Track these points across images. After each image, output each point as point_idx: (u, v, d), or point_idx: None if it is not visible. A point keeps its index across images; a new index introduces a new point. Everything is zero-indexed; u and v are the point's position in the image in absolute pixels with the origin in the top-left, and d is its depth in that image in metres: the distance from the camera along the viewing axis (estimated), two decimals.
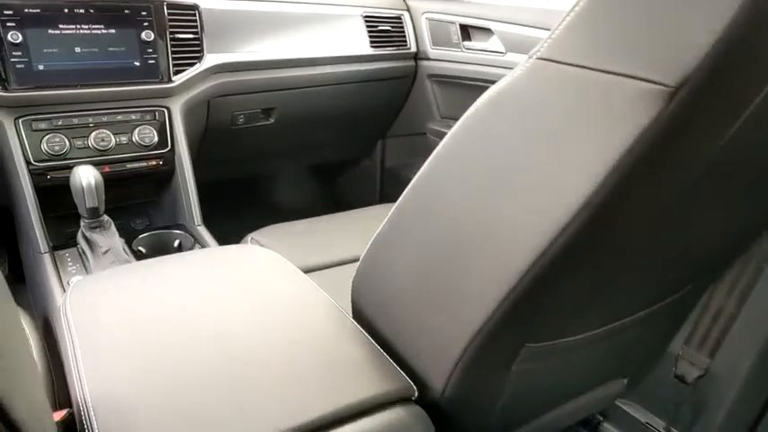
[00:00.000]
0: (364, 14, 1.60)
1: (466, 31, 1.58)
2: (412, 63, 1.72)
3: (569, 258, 0.51)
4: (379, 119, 1.87)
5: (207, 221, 1.32)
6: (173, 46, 1.28)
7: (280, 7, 1.47)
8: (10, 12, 1.12)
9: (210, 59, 1.35)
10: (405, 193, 0.68)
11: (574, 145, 0.50)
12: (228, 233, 1.38)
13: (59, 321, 0.75)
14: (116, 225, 1.38)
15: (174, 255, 0.91)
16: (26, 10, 1.13)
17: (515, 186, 0.53)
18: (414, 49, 1.69)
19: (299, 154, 1.83)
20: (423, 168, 0.65)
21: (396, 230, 0.70)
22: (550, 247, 0.50)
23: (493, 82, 1.42)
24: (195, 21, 1.32)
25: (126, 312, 0.73)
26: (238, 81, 1.42)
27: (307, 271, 1.25)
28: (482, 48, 1.54)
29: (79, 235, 1.13)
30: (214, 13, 1.36)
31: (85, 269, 1.10)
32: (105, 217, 1.14)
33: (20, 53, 1.13)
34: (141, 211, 1.42)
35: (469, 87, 1.61)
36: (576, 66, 0.50)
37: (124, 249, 1.14)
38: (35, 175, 1.17)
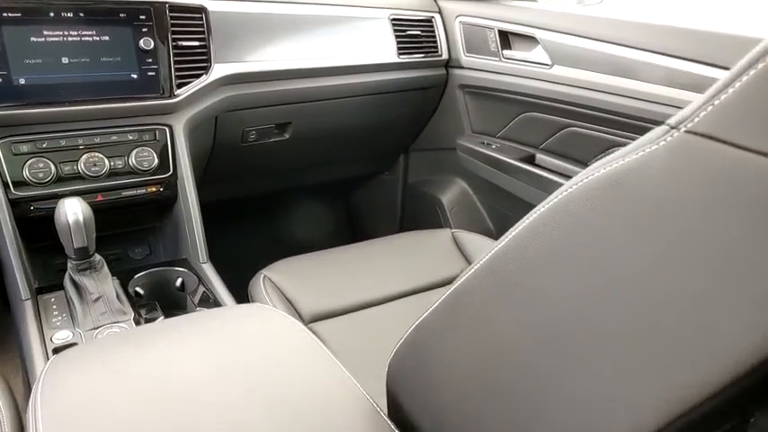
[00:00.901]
0: (392, 17, 1.42)
1: (506, 38, 1.40)
2: (443, 72, 1.54)
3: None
4: (404, 131, 1.70)
5: (214, 246, 1.17)
6: (176, 55, 1.12)
7: (298, 9, 1.30)
8: None
9: (219, 70, 1.18)
10: (470, 274, 0.52)
11: (750, 266, 0.33)
12: (238, 264, 1.23)
13: (29, 414, 0.60)
14: (113, 255, 1.23)
15: (172, 322, 0.75)
16: (4, 14, 0.97)
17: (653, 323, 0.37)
18: (445, 56, 1.52)
19: (314, 169, 1.67)
20: (499, 250, 0.49)
21: (453, 322, 0.54)
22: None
23: (536, 97, 1.24)
24: (202, 26, 1.15)
25: (108, 409, 0.58)
26: (250, 94, 1.26)
27: (325, 317, 1.10)
28: (524, 58, 1.36)
29: (66, 278, 0.98)
30: (223, 17, 1.19)
31: (72, 320, 0.95)
32: (96, 257, 0.98)
33: None
34: (141, 238, 1.26)
35: (508, 101, 1.44)
36: (758, 152, 0.33)
37: (118, 295, 0.99)
38: (16, 205, 1.01)
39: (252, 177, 1.57)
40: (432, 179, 1.76)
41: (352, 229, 2.05)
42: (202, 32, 1.15)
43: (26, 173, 1.01)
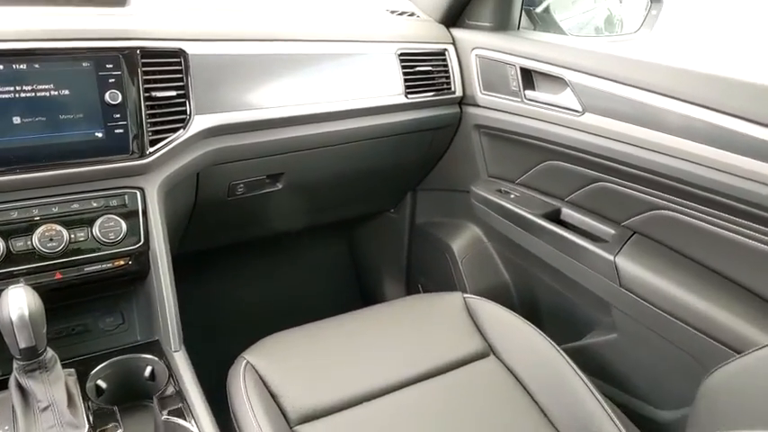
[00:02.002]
0: (400, 52, 1.26)
1: (529, 77, 1.24)
2: (456, 110, 1.38)
3: None
4: (412, 172, 1.54)
5: (197, 304, 1.02)
6: (148, 108, 0.97)
7: (292, 48, 1.13)
8: None
9: (200, 122, 1.02)
10: None
11: None
12: (222, 328, 1.08)
13: None
14: (81, 326, 1.09)
15: None
16: None
17: None
18: (459, 93, 1.35)
19: (312, 213, 1.51)
20: None
21: None
22: None
23: (563, 146, 1.07)
24: (180, 73, 1.00)
25: None
26: (238, 146, 1.10)
27: (317, 416, 0.95)
28: (550, 101, 1.20)
29: (11, 381, 0.83)
30: (204, 60, 1.03)
31: None
32: (48, 353, 0.83)
33: None
34: (112, 305, 1.11)
35: (529, 147, 1.28)
36: None
37: (71, 399, 0.84)
38: None
39: (241, 227, 1.42)
40: (442, 222, 1.60)
41: (356, 271, 1.89)
42: (181, 80, 1.00)
43: None
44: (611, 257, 1.11)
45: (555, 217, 1.27)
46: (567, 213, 1.26)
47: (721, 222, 0.99)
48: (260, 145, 1.13)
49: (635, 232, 1.16)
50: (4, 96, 0.86)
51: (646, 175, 1.06)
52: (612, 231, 1.17)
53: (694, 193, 1.00)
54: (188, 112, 1.01)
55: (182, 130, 1.00)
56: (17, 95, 0.87)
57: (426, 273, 1.70)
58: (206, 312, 1.44)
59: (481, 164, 1.42)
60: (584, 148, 1.15)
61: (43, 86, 0.89)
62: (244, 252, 1.65)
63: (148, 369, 0.96)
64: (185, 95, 1.00)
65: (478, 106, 1.35)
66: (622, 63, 1.08)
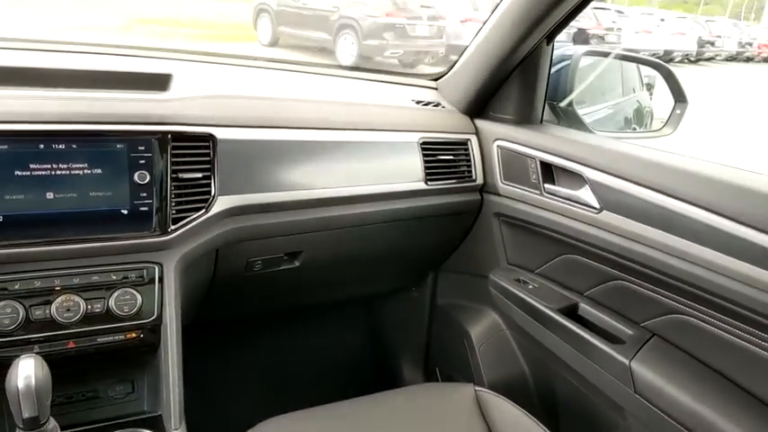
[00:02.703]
0: (422, 141, 1.29)
1: (549, 171, 1.25)
2: (477, 197, 1.39)
3: None
4: (432, 254, 1.55)
5: (205, 377, 1.02)
6: (174, 188, 1.02)
7: (315, 135, 1.18)
8: None
9: (222, 203, 1.07)
10: None
11: None
12: (221, 415, 1.08)
13: None
14: (91, 392, 1.11)
15: None
16: None
17: None
18: (480, 180, 1.37)
19: (330, 289, 1.52)
20: None
21: None
22: None
23: (581, 241, 1.05)
24: (208, 156, 1.06)
25: None
26: (258, 226, 1.14)
27: None
28: (569, 196, 1.20)
29: None
30: (231, 145, 1.08)
31: None
32: (50, 423, 0.85)
33: None
34: (124, 374, 1.13)
35: (548, 239, 1.27)
36: None
37: None
38: None
39: (257, 301, 1.44)
40: (462, 305, 1.58)
41: (374, 348, 1.87)
42: (207, 163, 1.06)
43: None
44: (626, 361, 1.06)
45: (572, 312, 1.24)
46: (585, 309, 1.23)
47: (740, 333, 0.95)
48: (280, 225, 1.17)
49: (654, 334, 1.11)
50: (41, 173, 0.93)
51: (664, 277, 1.03)
52: (630, 332, 1.13)
53: (712, 300, 0.96)
54: (212, 193, 1.06)
55: (204, 210, 1.05)
56: (53, 173, 0.94)
57: (444, 357, 1.66)
58: (216, 383, 1.45)
59: (501, 251, 1.42)
60: (602, 246, 1.13)
61: (78, 165, 0.95)
62: (260, 325, 1.66)
63: None
64: (210, 177, 1.06)
65: (499, 195, 1.36)
66: (640, 164, 1.07)
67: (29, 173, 0.92)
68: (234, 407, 1.37)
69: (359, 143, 1.24)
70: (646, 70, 1.77)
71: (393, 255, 1.46)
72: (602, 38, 11.25)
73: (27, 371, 0.79)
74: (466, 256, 1.52)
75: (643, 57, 1.62)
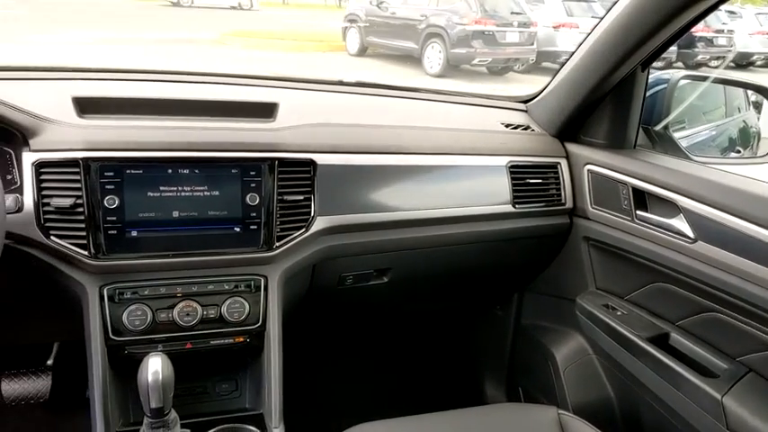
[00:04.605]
0: (511, 164, 1.32)
1: (641, 198, 1.23)
2: (566, 220, 1.40)
3: None
4: (518, 275, 1.57)
5: (294, 388, 1.11)
6: (279, 209, 1.12)
7: (407, 159, 1.25)
8: (111, 173, 1.03)
9: (320, 222, 1.16)
10: None
11: None
12: (314, 419, 1.17)
13: None
14: (200, 388, 1.24)
15: None
16: (128, 171, 1.04)
17: None
18: (569, 204, 1.38)
19: (416, 305, 1.58)
20: None
21: None
22: None
23: (674, 271, 1.04)
24: (309, 180, 1.15)
25: None
26: (351, 244, 1.22)
27: None
28: (662, 225, 1.18)
29: None
30: (329, 169, 1.17)
31: None
32: (172, 414, 0.97)
33: (114, 218, 1.03)
34: (229, 372, 1.25)
35: (639, 266, 1.26)
36: None
37: None
38: (111, 349, 1.05)
39: (348, 313, 1.52)
40: (547, 327, 1.58)
41: (457, 364, 1.91)
42: (308, 186, 1.15)
43: (125, 319, 1.04)
44: (718, 396, 1.04)
45: (663, 341, 1.21)
46: (676, 339, 1.20)
47: None
48: (371, 243, 1.24)
49: (750, 370, 1.08)
50: (168, 194, 1.06)
51: (761, 312, 1.00)
52: (724, 366, 1.10)
53: None
54: (311, 214, 1.15)
55: (304, 229, 1.14)
56: (178, 194, 1.07)
57: (528, 377, 1.67)
58: (309, 387, 1.54)
59: (589, 276, 1.41)
60: (696, 276, 1.11)
61: (199, 187, 1.08)
62: (350, 336, 1.75)
63: None
64: (311, 199, 1.15)
65: (588, 219, 1.36)
66: (739, 195, 1.05)
67: (159, 194, 1.06)
68: (325, 411, 1.45)
69: (449, 167, 1.29)
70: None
71: (479, 275, 1.49)
72: (710, 41, 10.55)
73: (156, 366, 0.91)
74: (552, 279, 1.52)
75: (748, 82, 1.54)
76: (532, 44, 9.01)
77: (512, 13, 8.94)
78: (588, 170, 1.35)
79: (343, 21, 10.66)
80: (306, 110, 1.31)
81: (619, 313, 1.30)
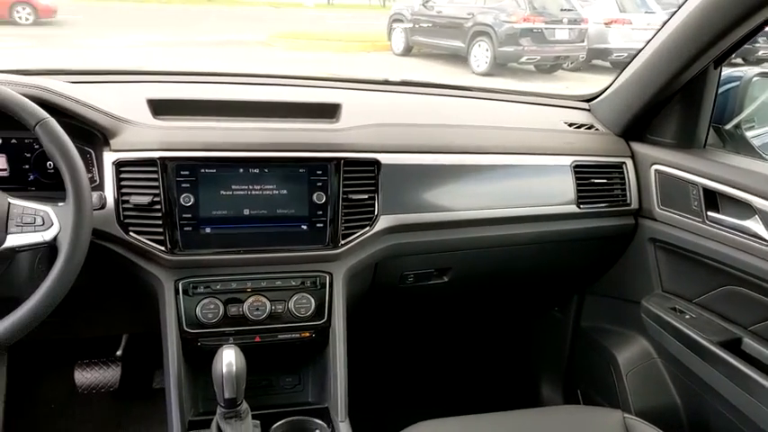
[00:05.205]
0: (575, 164, 1.31)
1: (712, 198, 1.20)
2: (631, 221, 1.37)
3: None
4: (579, 276, 1.54)
5: (357, 384, 1.13)
6: (344, 207, 1.14)
7: (470, 158, 1.25)
8: (186, 172, 1.07)
9: (383, 221, 1.17)
10: None
11: None
12: (377, 415, 1.18)
13: None
14: (265, 381, 1.28)
15: None
16: (202, 170, 1.08)
17: None
18: (635, 205, 1.35)
19: (473, 307, 1.58)
20: None
21: None
22: None
23: (748, 274, 1.01)
24: (373, 179, 1.17)
25: None
26: (413, 243, 1.23)
27: None
28: (735, 226, 1.14)
29: (213, 424, 1.02)
30: (393, 169, 1.19)
31: None
32: (243, 405, 1.01)
33: (189, 215, 1.08)
34: (292, 367, 1.29)
35: (710, 269, 1.22)
36: None
37: None
38: (185, 341, 1.10)
39: (408, 311, 1.54)
40: (608, 329, 1.55)
41: (514, 365, 1.89)
42: (372, 185, 1.17)
43: (198, 312, 1.09)
44: None
45: (735, 346, 1.18)
46: (750, 345, 1.16)
47: None
48: (433, 242, 1.25)
49: None
50: (240, 193, 1.10)
51: None
52: None
53: None
54: (375, 212, 1.17)
55: (368, 227, 1.16)
56: (249, 192, 1.10)
57: (587, 380, 1.64)
58: (371, 386, 1.56)
59: (655, 278, 1.38)
60: None
61: (269, 186, 1.11)
62: (409, 333, 1.76)
63: None
64: (374, 198, 1.17)
65: (655, 220, 1.33)
66: None
67: (231, 192, 1.09)
68: (384, 408, 1.47)
69: (511, 166, 1.29)
70: None
71: (539, 275, 1.48)
72: None
73: (230, 358, 0.94)
74: (615, 281, 1.49)
75: None
76: (583, 41, 8.80)
77: (561, 9, 8.76)
78: (655, 170, 1.31)
79: (388, 20, 10.69)
80: (367, 110, 1.33)
81: (687, 317, 1.27)
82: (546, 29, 8.47)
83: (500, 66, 8.73)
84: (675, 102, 1.28)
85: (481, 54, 8.80)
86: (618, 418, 1.14)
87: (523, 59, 8.59)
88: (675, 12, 1.17)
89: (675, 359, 1.32)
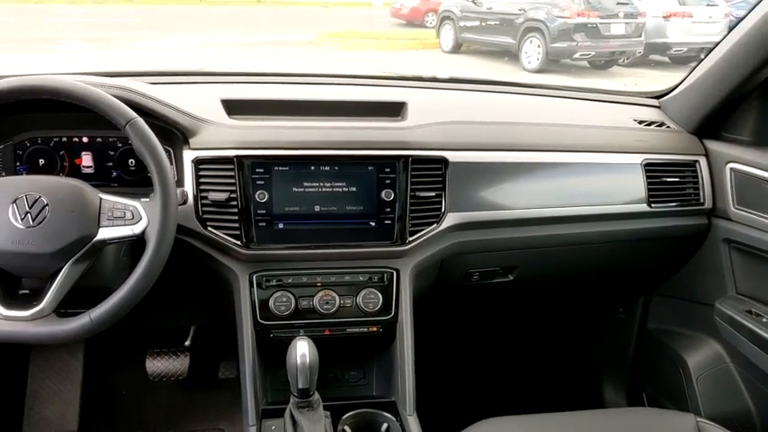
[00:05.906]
0: (646, 162, 1.28)
1: None
2: (704, 221, 1.33)
3: None
4: (647, 277, 1.51)
5: (423, 379, 1.15)
6: (412, 204, 1.15)
7: (538, 156, 1.24)
8: (261, 170, 1.11)
9: (450, 218, 1.18)
10: None
11: None
12: (442, 411, 1.19)
13: None
14: (331, 374, 1.31)
15: None
16: (276, 168, 1.11)
17: None
18: (708, 205, 1.31)
19: (538, 306, 1.57)
20: None
21: None
22: None
23: None
24: (440, 177, 1.18)
25: None
26: (479, 240, 1.23)
27: None
28: None
29: (287, 413, 1.05)
30: (460, 167, 1.19)
31: None
32: (315, 396, 1.04)
33: (264, 211, 1.11)
34: (357, 361, 1.31)
35: None
36: None
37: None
38: (259, 332, 1.13)
39: (473, 309, 1.54)
40: (677, 332, 1.51)
41: (577, 366, 1.87)
42: (440, 183, 1.18)
43: (272, 305, 1.12)
44: None
45: None
46: None
47: None
48: (499, 240, 1.25)
49: None
50: (311, 190, 1.13)
51: None
52: None
53: None
54: (442, 210, 1.18)
55: (436, 224, 1.17)
56: (320, 190, 1.13)
57: (654, 383, 1.60)
58: (436, 383, 1.56)
59: (729, 280, 1.33)
60: None
61: (338, 183, 1.13)
62: (474, 331, 1.77)
63: (385, 425, 1.11)
64: (442, 195, 1.18)
65: (730, 220, 1.28)
66: None
67: (303, 189, 1.12)
68: (449, 404, 1.48)
69: (579, 164, 1.27)
70: None
71: (606, 275, 1.45)
72: None
73: (303, 349, 0.97)
74: (685, 282, 1.45)
75: None
76: (640, 36, 8.51)
77: (617, 3, 8.49)
78: (731, 168, 1.27)
79: (437, 17, 10.63)
80: (432, 107, 1.34)
81: (765, 320, 1.22)
82: (601, 23, 8.24)
83: (552, 62, 8.55)
84: (754, 98, 1.23)
85: (532, 50, 8.63)
86: (691, 422, 1.11)
87: (577, 55, 8.38)
88: (757, 4, 1.13)
89: (750, 363, 1.27)
